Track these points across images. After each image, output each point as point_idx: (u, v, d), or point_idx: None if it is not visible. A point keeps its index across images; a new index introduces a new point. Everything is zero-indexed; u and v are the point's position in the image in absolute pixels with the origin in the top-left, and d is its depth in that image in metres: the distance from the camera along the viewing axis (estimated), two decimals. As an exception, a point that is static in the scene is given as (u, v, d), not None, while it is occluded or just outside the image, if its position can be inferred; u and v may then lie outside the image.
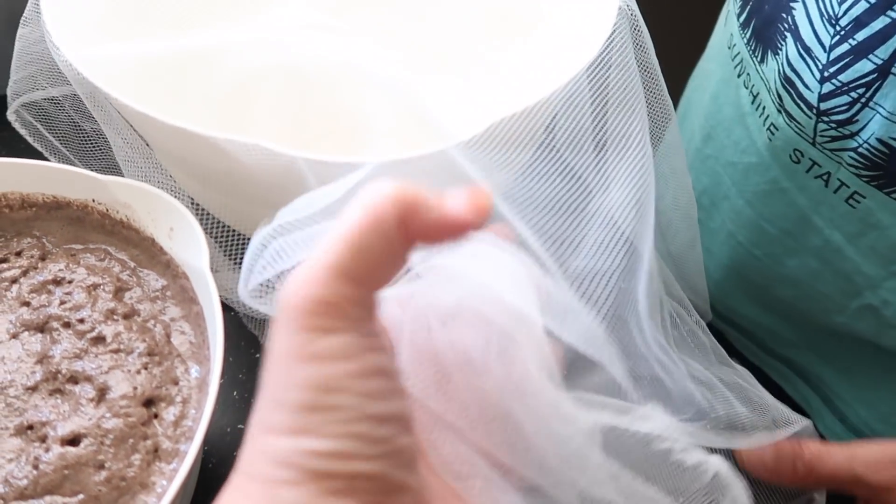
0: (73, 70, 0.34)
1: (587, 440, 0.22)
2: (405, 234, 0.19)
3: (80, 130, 0.47)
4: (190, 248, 0.33)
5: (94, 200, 0.35)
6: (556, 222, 0.33)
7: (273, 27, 0.38)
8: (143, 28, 0.39)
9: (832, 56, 0.41)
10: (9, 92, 0.45)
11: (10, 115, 0.46)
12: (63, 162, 0.46)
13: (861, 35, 0.39)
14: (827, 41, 0.41)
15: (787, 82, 0.44)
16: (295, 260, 0.23)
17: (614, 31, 0.39)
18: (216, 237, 0.37)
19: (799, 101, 0.44)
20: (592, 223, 0.37)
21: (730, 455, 0.37)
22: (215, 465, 0.38)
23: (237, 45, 0.37)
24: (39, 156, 0.44)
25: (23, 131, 0.47)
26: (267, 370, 0.20)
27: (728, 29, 0.53)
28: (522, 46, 0.42)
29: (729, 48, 0.53)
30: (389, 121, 0.39)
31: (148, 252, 0.35)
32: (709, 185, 0.58)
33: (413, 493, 0.19)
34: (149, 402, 0.30)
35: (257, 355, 0.44)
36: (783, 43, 0.45)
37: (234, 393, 0.41)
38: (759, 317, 0.57)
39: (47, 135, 0.47)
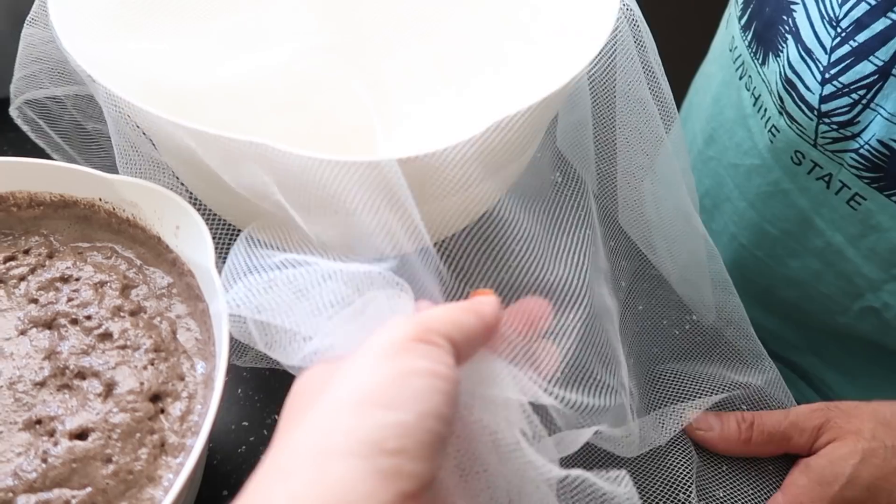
0: (83, 70, 0.34)
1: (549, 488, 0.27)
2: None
3: (82, 129, 0.48)
4: (196, 246, 0.33)
5: (100, 199, 0.35)
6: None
7: (279, 28, 0.38)
8: (150, 27, 0.40)
9: (833, 58, 0.41)
10: (11, 89, 0.46)
11: (13, 111, 0.47)
12: (65, 159, 0.46)
13: (862, 37, 0.39)
14: (828, 43, 0.41)
15: (789, 84, 0.45)
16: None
17: (616, 32, 0.39)
18: (219, 237, 0.37)
19: (800, 103, 0.44)
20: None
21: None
22: (220, 461, 0.38)
23: (243, 47, 0.38)
24: (46, 156, 0.45)
25: (25, 127, 0.47)
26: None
27: (729, 32, 0.54)
28: (523, 48, 0.42)
29: (730, 51, 0.53)
30: (392, 122, 0.39)
31: (154, 250, 0.35)
32: (711, 188, 0.58)
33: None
34: (155, 398, 0.30)
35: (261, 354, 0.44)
36: (784, 45, 0.45)
37: (239, 391, 0.41)
38: (761, 319, 0.57)
39: (49, 132, 0.47)
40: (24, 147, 0.45)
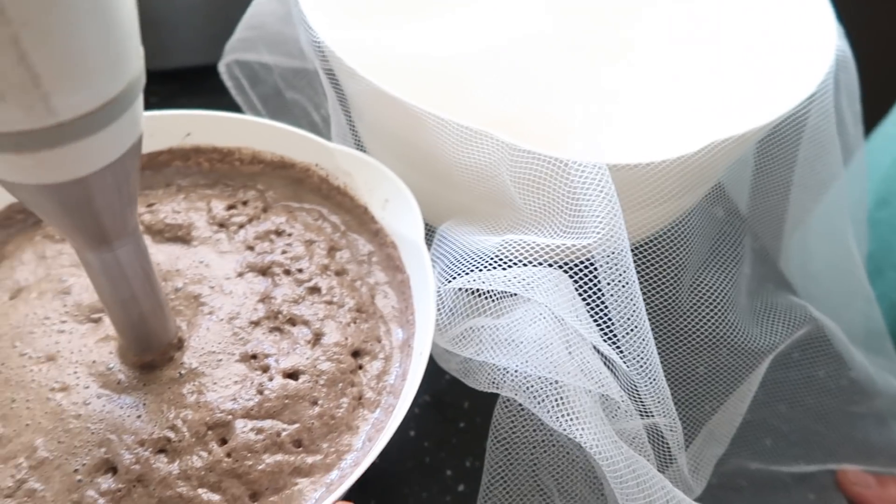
0: (318, 44, 0.37)
1: None
2: None
3: (280, 96, 0.51)
4: (404, 220, 0.35)
5: (317, 165, 0.38)
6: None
7: (501, 20, 0.40)
8: (380, 14, 0.43)
9: None
10: (227, 47, 0.50)
11: (221, 67, 0.51)
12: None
13: None
14: None
15: None
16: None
17: (828, 76, 0.39)
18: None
19: None
20: None
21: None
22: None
23: (462, 34, 0.40)
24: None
25: (229, 84, 0.51)
26: None
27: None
28: (733, 78, 0.43)
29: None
30: (593, 122, 0.41)
31: (359, 219, 0.37)
32: (875, 251, 0.56)
33: None
34: (356, 354, 0.32)
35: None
36: None
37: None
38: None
39: (250, 91, 0.51)
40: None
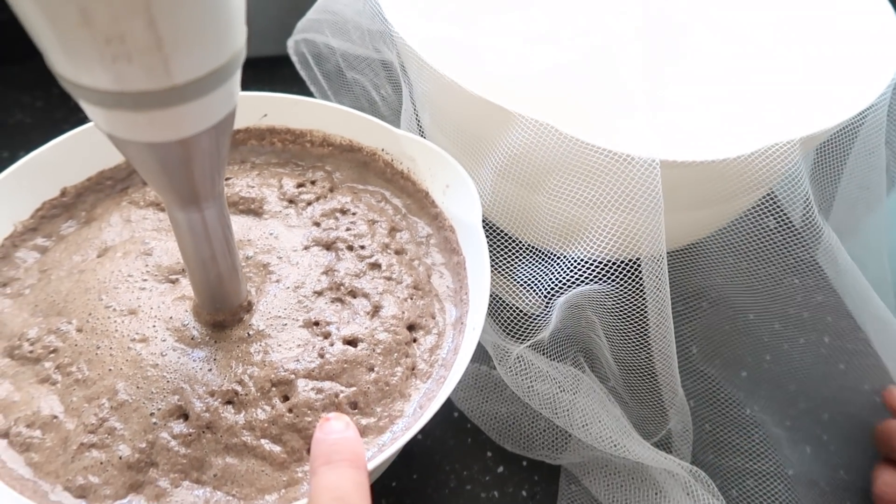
0: (392, 35, 0.39)
1: None
2: None
3: (342, 75, 0.54)
4: (462, 205, 0.37)
5: (383, 150, 0.40)
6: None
7: (566, 21, 0.41)
8: (451, 7, 0.44)
9: None
10: (298, 25, 0.53)
11: (290, 42, 0.54)
12: (319, 93, 0.53)
13: None
14: None
15: None
16: None
17: (886, 90, 0.39)
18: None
19: None
20: None
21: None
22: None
23: (531, 29, 0.41)
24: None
25: (294, 58, 0.54)
26: None
27: None
28: (791, 84, 0.43)
29: None
30: (660, 124, 0.42)
31: (419, 203, 0.39)
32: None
33: None
34: (411, 327, 0.34)
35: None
36: None
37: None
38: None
39: (314, 67, 0.54)
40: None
